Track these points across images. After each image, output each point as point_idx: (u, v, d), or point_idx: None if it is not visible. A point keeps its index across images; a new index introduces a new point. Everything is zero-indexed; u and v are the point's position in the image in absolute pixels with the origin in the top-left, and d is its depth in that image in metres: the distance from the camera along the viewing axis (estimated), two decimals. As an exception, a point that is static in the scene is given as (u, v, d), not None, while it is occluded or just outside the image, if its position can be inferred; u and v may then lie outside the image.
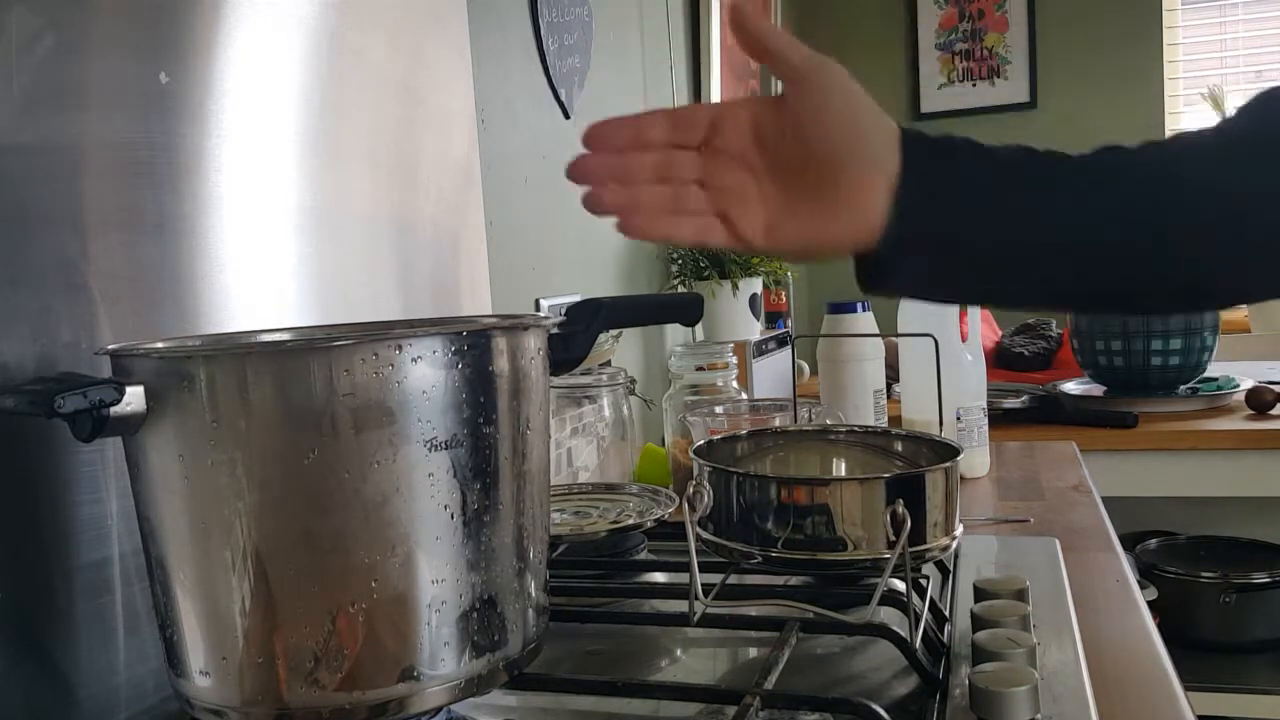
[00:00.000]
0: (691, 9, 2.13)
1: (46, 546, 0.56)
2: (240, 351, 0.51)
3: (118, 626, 0.60)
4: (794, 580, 0.81)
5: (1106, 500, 1.21)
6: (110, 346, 0.52)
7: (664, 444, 1.41)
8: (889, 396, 1.31)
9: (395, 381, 0.49)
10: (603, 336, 0.67)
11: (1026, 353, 2.38)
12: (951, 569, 0.83)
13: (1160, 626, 0.82)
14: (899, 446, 0.83)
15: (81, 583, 0.58)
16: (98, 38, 0.61)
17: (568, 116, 1.47)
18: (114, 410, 0.47)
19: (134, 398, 0.48)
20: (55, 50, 0.57)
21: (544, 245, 1.38)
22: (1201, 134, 0.60)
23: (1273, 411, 1.88)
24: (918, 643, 0.62)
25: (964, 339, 1.35)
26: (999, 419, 1.84)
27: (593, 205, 0.55)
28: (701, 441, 0.85)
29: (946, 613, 0.72)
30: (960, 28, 3.29)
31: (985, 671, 0.58)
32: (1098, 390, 2.05)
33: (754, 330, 1.88)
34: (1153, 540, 2.21)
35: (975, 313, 1.37)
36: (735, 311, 1.84)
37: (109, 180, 0.61)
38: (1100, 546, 1.00)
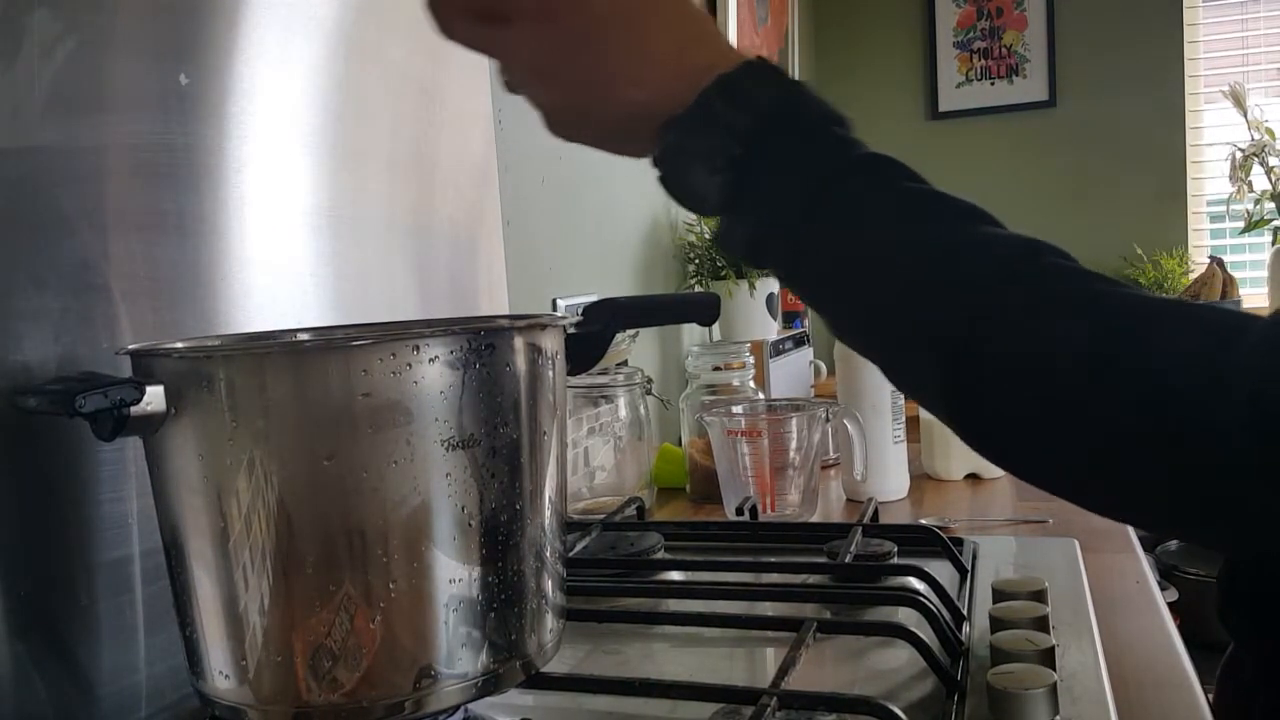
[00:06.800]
0: (708, 9, 2.13)
1: (68, 544, 0.57)
2: (259, 351, 0.52)
3: (138, 625, 0.60)
4: (812, 579, 0.81)
5: (1126, 501, 1.20)
6: (131, 346, 0.52)
7: (681, 444, 1.41)
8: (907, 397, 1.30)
9: (413, 381, 0.49)
10: (619, 336, 0.67)
11: (1045, 352, 2.37)
12: (970, 570, 0.82)
13: (1181, 628, 0.82)
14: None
15: (102, 580, 0.58)
16: (117, 40, 0.61)
17: (584, 116, 1.47)
18: (134, 410, 0.48)
19: (154, 397, 0.48)
20: (76, 53, 0.58)
21: (561, 245, 1.38)
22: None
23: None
24: (935, 644, 0.62)
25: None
26: (1018, 419, 1.83)
27: None
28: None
29: (965, 613, 0.72)
30: (978, 25, 3.28)
31: (1004, 673, 0.57)
32: (1117, 390, 2.04)
33: (771, 330, 1.88)
34: (1173, 541, 2.19)
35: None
36: (752, 311, 1.84)
37: (129, 181, 0.61)
38: (1120, 547, 1.00)
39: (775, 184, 0.51)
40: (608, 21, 0.51)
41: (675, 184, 0.53)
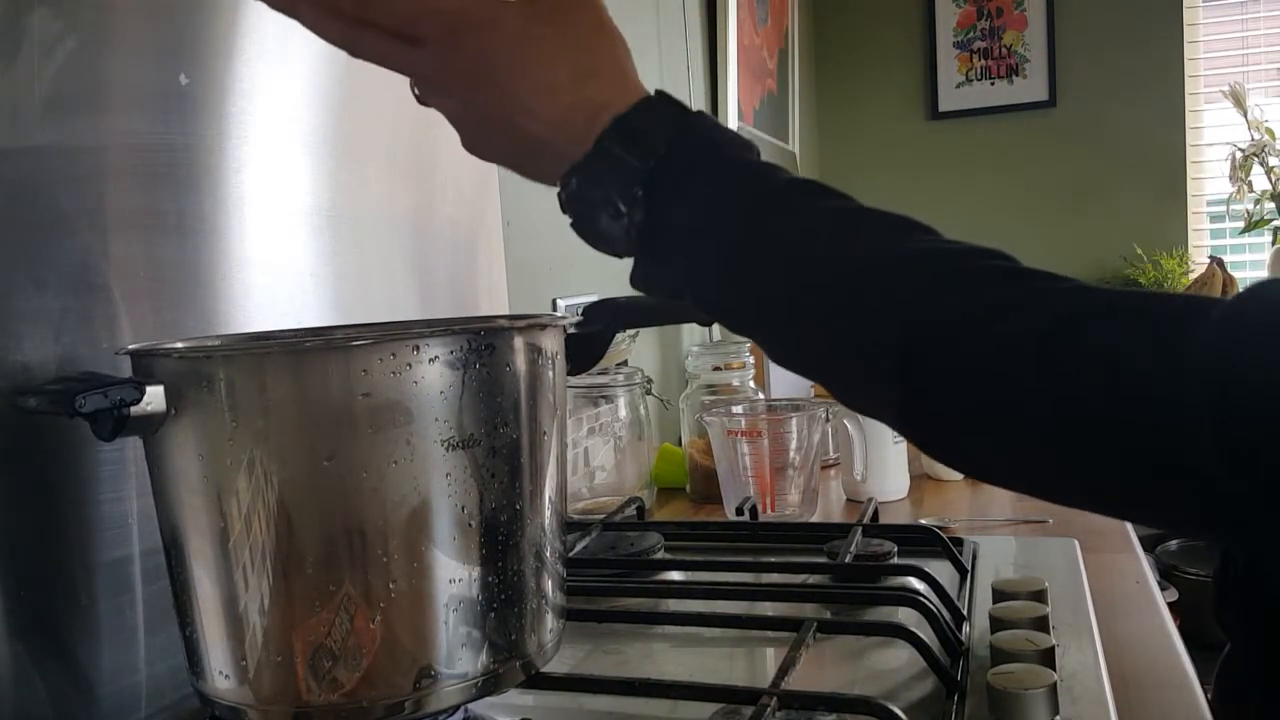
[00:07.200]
0: (708, 10, 2.13)
1: (68, 544, 0.57)
2: (259, 351, 0.52)
3: (138, 625, 0.60)
4: (812, 579, 0.81)
5: (1126, 501, 1.19)
6: (131, 346, 0.52)
7: (681, 444, 1.41)
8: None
9: (413, 381, 0.49)
10: (619, 336, 0.67)
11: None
12: (970, 570, 0.82)
13: (1180, 628, 0.82)
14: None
15: (102, 580, 0.58)
16: (117, 40, 0.61)
17: (584, 116, 1.46)
18: (134, 410, 0.48)
19: (154, 397, 0.48)
20: (75, 52, 0.58)
21: (561, 245, 1.38)
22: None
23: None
24: (935, 644, 0.62)
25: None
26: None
27: None
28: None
29: (965, 613, 0.72)
30: (978, 26, 3.28)
31: (1003, 673, 0.58)
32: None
33: (771, 330, 1.87)
34: (1173, 541, 2.19)
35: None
36: (752, 311, 1.83)
37: (129, 181, 0.61)
38: (1120, 547, 1.00)
39: (696, 219, 0.49)
40: (506, 51, 0.51)
41: (585, 230, 0.53)
